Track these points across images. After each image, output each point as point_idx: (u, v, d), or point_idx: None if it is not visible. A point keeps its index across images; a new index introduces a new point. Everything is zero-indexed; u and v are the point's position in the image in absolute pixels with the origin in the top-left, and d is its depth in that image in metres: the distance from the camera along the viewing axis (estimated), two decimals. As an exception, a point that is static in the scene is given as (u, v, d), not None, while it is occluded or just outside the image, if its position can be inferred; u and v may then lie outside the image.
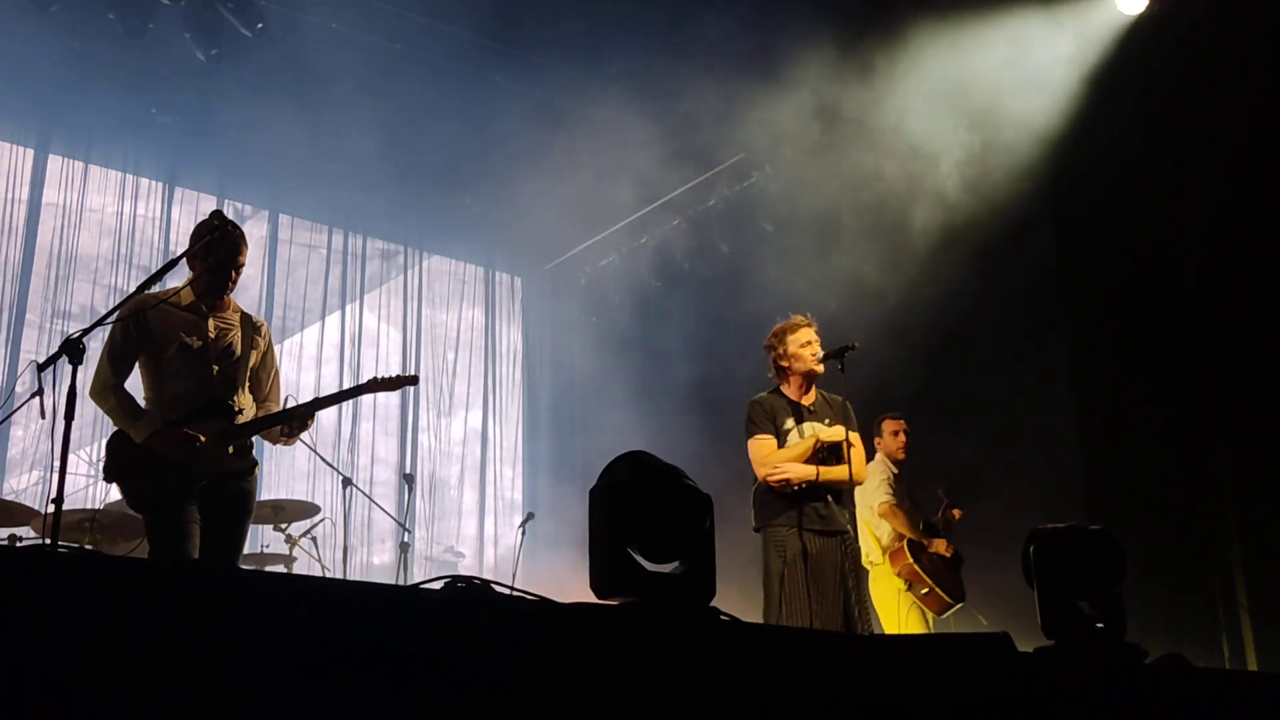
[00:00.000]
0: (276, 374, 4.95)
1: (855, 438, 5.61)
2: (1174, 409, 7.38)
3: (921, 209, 8.00)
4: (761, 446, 5.57)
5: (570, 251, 11.46)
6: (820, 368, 5.70)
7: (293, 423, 4.70)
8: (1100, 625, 3.47)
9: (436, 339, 11.02)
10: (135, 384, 4.68)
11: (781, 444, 5.55)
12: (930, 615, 7.06)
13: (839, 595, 5.33)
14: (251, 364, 4.77)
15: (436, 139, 9.30)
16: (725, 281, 9.67)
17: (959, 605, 7.02)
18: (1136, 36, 7.53)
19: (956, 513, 7.30)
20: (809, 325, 5.79)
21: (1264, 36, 6.78)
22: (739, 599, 5.99)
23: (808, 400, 5.71)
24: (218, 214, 4.70)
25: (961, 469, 7.60)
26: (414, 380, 4.99)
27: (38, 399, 4.22)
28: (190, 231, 4.80)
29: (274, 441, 4.83)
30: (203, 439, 4.46)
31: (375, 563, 9.60)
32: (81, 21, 8.26)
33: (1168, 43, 7.25)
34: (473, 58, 8.85)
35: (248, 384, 4.75)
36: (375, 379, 4.89)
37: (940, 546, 7.06)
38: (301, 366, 9.83)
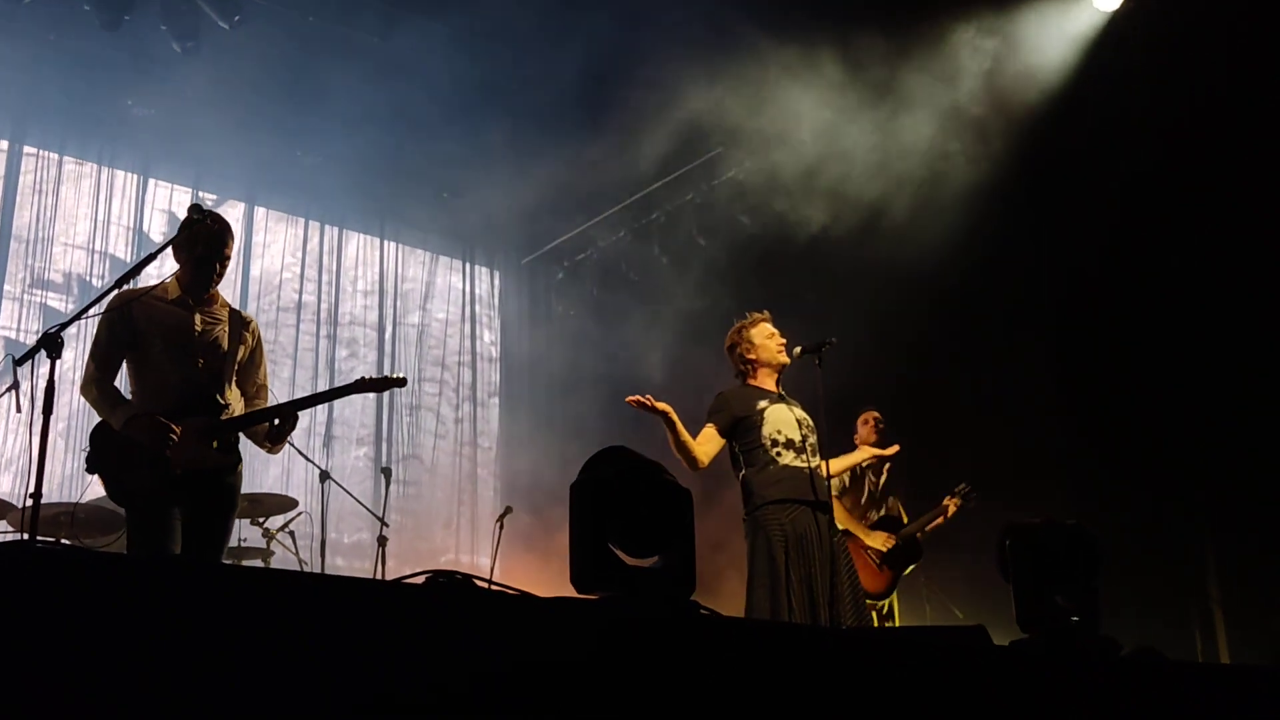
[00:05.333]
0: (265, 371, 4.91)
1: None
2: (1148, 405, 7.44)
3: (902, 203, 8.03)
4: (702, 432, 5.59)
5: (547, 245, 11.45)
6: (787, 359, 5.73)
7: (280, 426, 4.65)
8: (1075, 618, 3.50)
9: (413, 331, 10.98)
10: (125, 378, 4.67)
11: (760, 423, 5.54)
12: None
13: (833, 579, 5.33)
14: (239, 359, 4.73)
15: (413, 132, 9.28)
16: (703, 275, 9.68)
17: (875, 601, 6.89)
18: (1113, 33, 7.59)
19: (952, 506, 7.22)
20: (767, 319, 5.82)
21: (1243, 32, 6.82)
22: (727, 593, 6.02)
23: (776, 390, 5.74)
24: (196, 208, 4.67)
25: (937, 463, 7.65)
26: (401, 382, 4.92)
27: (14, 393, 4.20)
28: (163, 232, 4.76)
29: (258, 444, 4.76)
30: (177, 429, 4.42)
31: (353, 559, 9.58)
32: (57, 13, 8.21)
33: (1145, 39, 7.29)
34: (447, 51, 8.84)
35: (234, 380, 4.71)
36: (363, 379, 4.84)
37: (878, 540, 7.02)
38: (277, 361, 9.78)
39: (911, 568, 7.20)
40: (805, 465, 5.50)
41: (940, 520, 7.25)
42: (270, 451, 4.80)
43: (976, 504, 7.22)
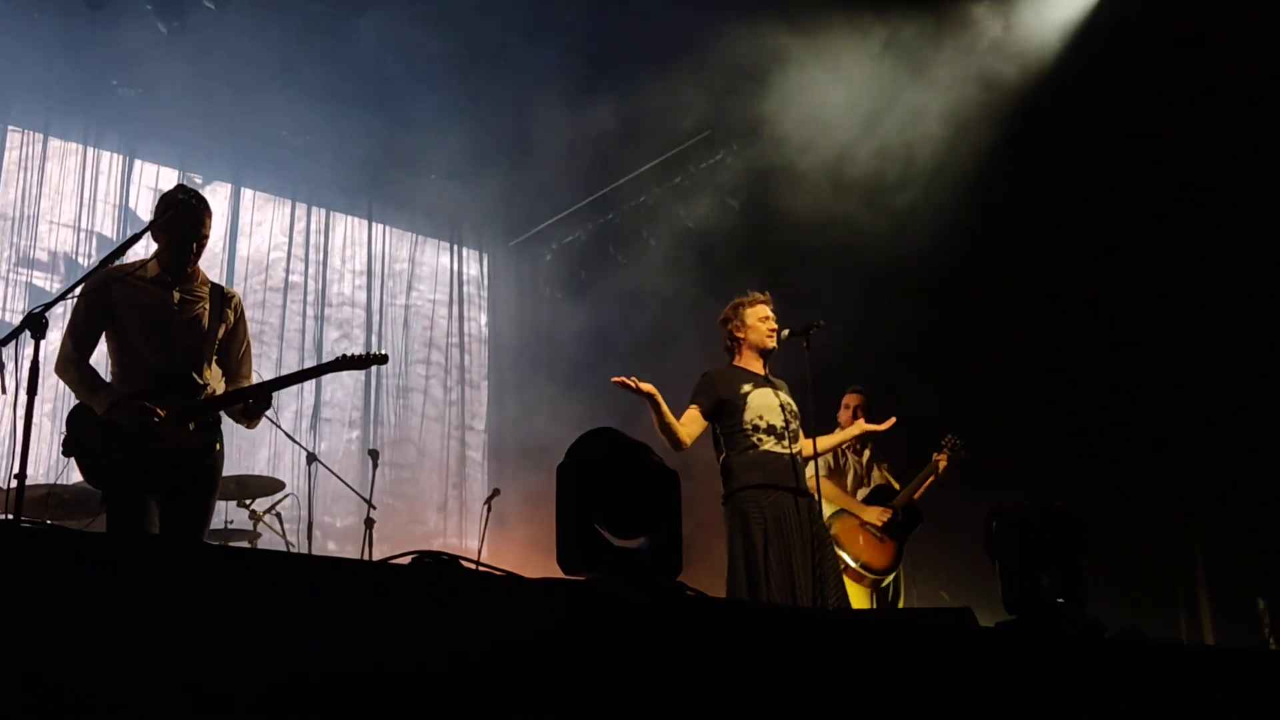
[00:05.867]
0: (248, 347, 4.88)
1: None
2: (1135, 389, 7.46)
3: (891, 185, 8.03)
4: (686, 413, 5.62)
5: (536, 228, 11.43)
6: (775, 344, 5.75)
7: (255, 404, 4.64)
8: (1061, 600, 3.52)
9: (400, 314, 10.96)
10: (103, 357, 4.65)
11: (743, 408, 5.57)
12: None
13: (815, 560, 5.36)
14: (219, 337, 4.72)
15: (400, 114, 9.24)
16: (690, 259, 9.68)
17: (883, 576, 6.88)
18: (1106, 15, 7.58)
19: (943, 461, 7.14)
20: (767, 302, 5.83)
21: (1239, 19, 6.81)
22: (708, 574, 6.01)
23: (765, 371, 5.76)
24: (181, 187, 4.67)
25: (924, 444, 7.65)
26: (383, 359, 4.91)
27: (-2, 374, 4.18)
28: (150, 210, 4.75)
29: (235, 420, 4.77)
30: (161, 413, 4.42)
31: (345, 543, 9.56)
32: (42, -8, 8.16)
33: (1138, 22, 7.27)
34: (435, 32, 8.79)
35: (215, 358, 4.70)
36: (344, 356, 4.82)
37: (874, 515, 6.94)
38: (263, 343, 9.75)
39: (915, 531, 7.12)
40: (786, 451, 5.53)
41: (932, 479, 7.17)
42: (248, 426, 4.80)
43: (965, 454, 7.15)
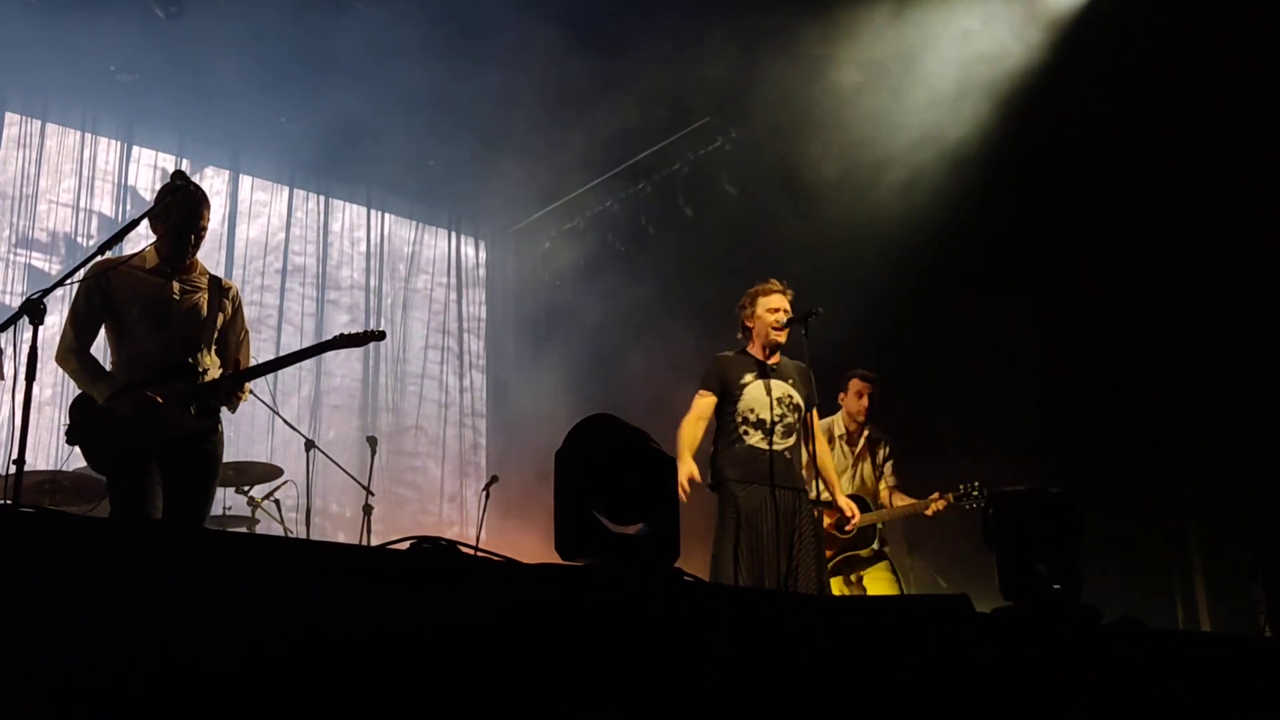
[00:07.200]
0: (246, 336, 4.91)
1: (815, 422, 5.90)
2: (1133, 378, 7.46)
3: (889, 172, 8.03)
4: (697, 404, 5.79)
5: (534, 215, 11.42)
6: (779, 337, 5.80)
7: (228, 386, 4.64)
8: (1057, 587, 3.52)
9: (399, 301, 10.95)
10: (104, 345, 4.66)
11: (738, 398, 5.69)
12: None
13: (790, 553, 5.46)
14: (218, 326, 4.74)
15: (400, 101, 9.21)
16: (689, 246, 9.68)
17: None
18: (1103, 7, 7.57)
19: (941, 504, 6.77)
20: (782, 292, 5.91)
21: (1230, 13, 6.80)
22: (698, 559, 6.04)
23: (771, 361, 5.84)
24: (179, 174, 4.67)
25: (923, 432, 7.66)
26: (380, 336, 4.93)
27: (-3, 360, 4.19)
28: (150, 187, 4.75)
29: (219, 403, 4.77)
30: (160, 400, 4.44)
31: (353, 534, 9.53)
32: (38, -23, 8.13)
33: (1133, 16, 7.25)
34: (432, 18, 8.76)
35: (214, 346, 4.72)
36: (340, 335, 4.85)
37: (844, 505, 6.45)
38: (262, 329, 9.74)
39: (850, 554, 6.89)
40: (768, 448, 5.63)
41: (920, 512, 6.87)
42: (230, 410, 4.78)
43: (975, 508, 6.58)
